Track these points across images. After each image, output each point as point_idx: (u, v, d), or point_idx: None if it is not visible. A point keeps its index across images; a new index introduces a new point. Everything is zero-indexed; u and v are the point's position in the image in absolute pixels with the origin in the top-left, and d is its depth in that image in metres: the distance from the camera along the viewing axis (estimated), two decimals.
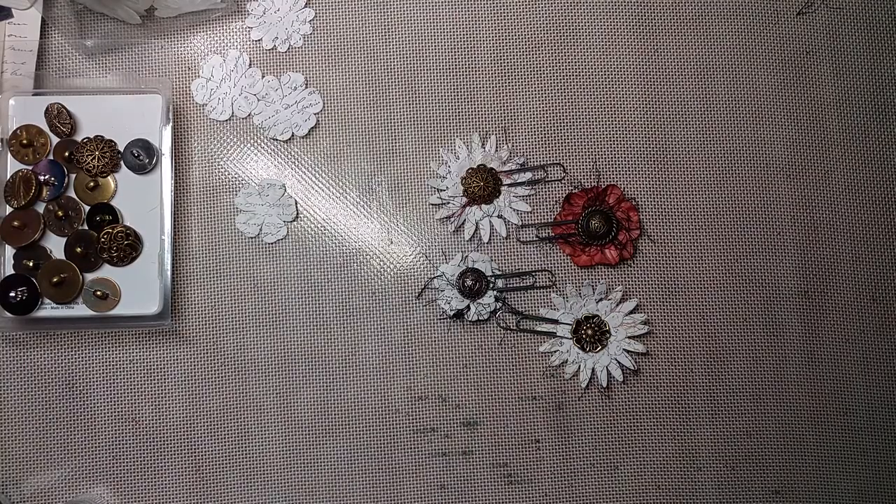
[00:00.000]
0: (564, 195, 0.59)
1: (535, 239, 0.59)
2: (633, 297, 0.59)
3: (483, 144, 0.60)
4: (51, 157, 0.57)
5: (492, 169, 0.59)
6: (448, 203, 0.59)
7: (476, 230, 0.59)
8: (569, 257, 0.59)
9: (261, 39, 0.60)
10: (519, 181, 0.59)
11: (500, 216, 0.59)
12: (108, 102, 0.58)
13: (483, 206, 0.59)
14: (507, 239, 0.59)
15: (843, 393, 0.59)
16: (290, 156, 0.60)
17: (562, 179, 0.60)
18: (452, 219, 0.59)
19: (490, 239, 0.59)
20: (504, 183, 0.59)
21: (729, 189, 0.60)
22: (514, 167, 0.59)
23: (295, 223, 0.59)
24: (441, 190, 0.59)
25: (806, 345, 0.60)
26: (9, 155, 0.57)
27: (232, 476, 0.58)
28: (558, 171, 0.60)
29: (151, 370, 0.58)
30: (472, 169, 0.59)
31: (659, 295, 0.60)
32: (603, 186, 0.59)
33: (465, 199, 0.59)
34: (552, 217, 0.60)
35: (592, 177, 0.60)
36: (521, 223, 0.59)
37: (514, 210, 0.59)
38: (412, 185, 0.60)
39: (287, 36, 0.60)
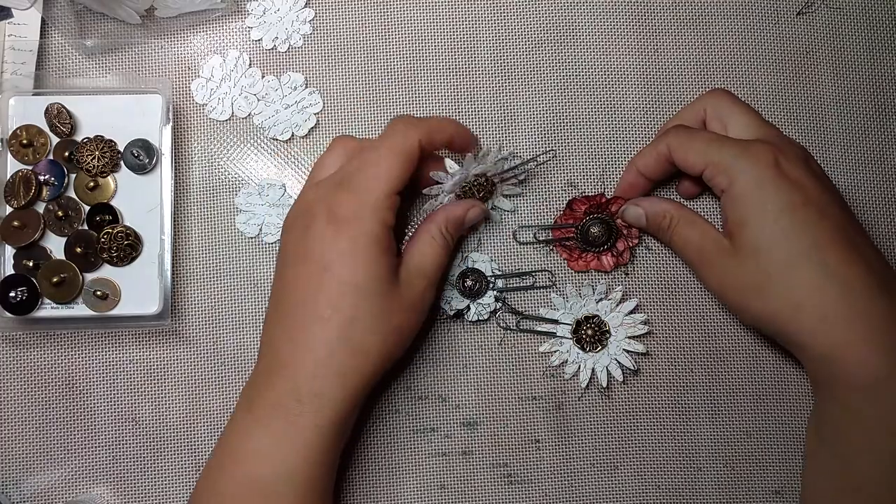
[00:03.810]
0: (566, 201, 0.59)
1: (533, 240, 0.59)
2: (633, 297, 0.59)
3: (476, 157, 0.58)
4: (51, 157, 0.57)
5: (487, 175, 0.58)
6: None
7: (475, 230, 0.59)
8: (566, 261, 0.59)
9: (261, 39, 0.60)
10: (508, 167, 0.58)
11: (493, 207, 0.59)
12: (108, 102, 0.58)
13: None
14: (506, 239, 0.59)
15: None
16: (290, 156, 0.60)
17: (551, 160, 0.59)
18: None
19: (490, 239, 0.59)
20: (496, 179, 0.58)
21: None
22: (507, 165, 0.58)
23: None
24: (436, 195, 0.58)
25: None
26: (9, 155, 0.57)
27: None
28: (549, 155, 0.59)
29: (151, 370, 0.58)
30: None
31: (659, 295, 0.60)
32: (608, 197, 0.59)
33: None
34: (552, 220, 0.60)
35: (594, 181, 0.60)
36: (512, 208, 0.59)
37: (504, 197, 0.59)
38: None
39: (287, 36, 0.60)
